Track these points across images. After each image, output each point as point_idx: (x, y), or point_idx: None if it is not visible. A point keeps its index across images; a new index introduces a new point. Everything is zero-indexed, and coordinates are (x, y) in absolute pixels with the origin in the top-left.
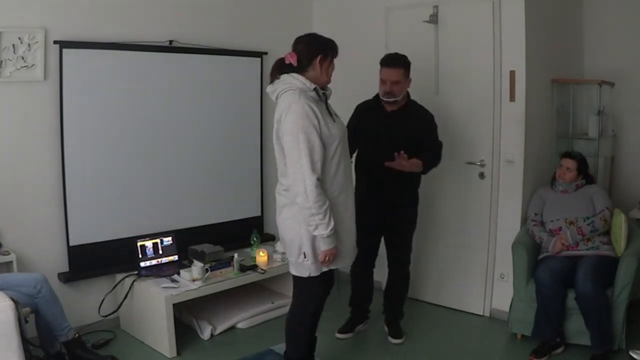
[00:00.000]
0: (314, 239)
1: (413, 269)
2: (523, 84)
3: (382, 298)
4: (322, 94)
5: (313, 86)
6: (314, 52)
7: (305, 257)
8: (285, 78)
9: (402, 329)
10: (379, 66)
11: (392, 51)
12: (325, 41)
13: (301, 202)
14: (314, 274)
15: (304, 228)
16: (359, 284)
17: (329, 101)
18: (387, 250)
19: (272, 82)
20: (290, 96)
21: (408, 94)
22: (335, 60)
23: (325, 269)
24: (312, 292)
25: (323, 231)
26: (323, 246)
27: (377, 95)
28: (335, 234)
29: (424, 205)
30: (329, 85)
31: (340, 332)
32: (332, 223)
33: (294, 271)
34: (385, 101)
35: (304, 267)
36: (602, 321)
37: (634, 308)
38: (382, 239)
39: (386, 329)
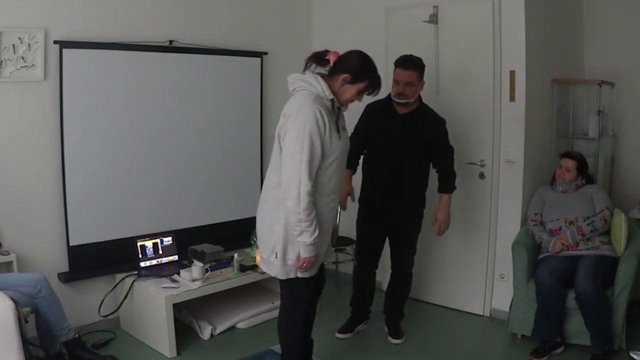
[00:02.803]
0: (287, 243)
1: (413, 269)
2: (523, 84)
3: (383, 298)
4: (336, 107)
5: (331, 96)
6: (346, 68)
7: (275, 257)
8: (309, 77)
9: (402, 329)
10: (378, 66)
11: (392, 51)
12: (367, 70)
13: (291, 205)
14: (280, 277)
15: (282, 229)
16: (361, 285)
17: (341, 115)
18: (392, 251)
19: (305, 67)
20: (303, 97)
21: (420, 97)
22: None
23: (292, 276)
24: (297, 293)
25: (307, 239)
26: (303, 253)
27: (390, 95)
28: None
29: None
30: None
31: (340, 332)
32: (317, 233)
33: (264, 268)
34: (397, 102)
35: (273, 266)
36: (602, 321)
37: (634, 308)
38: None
39: (386, 328)
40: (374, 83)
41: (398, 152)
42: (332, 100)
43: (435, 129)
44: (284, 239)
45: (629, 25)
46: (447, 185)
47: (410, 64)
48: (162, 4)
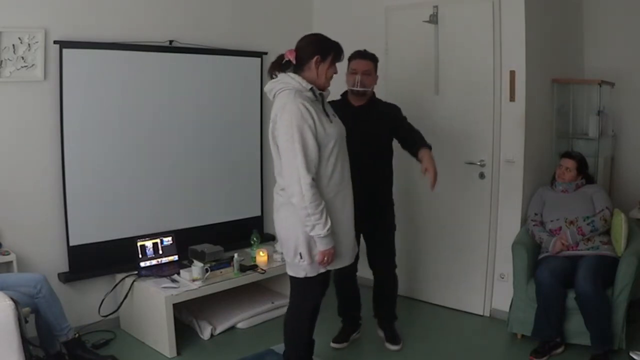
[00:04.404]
0: (310, 239)
1: (413, 269)
2: (523, 84)
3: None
4: (318, 94)
5: (309, 86)
6: (311, 53)
7: (301, 257)
8: (283, 77)
9: (398, 333)
10: (378, 66)
11: (392, 51)
12: (327, 43)
13: (297, 202)
14: (310, 274)
15: (300, 228)
16: (343, 292)
17: (326, 101)
18: (369, 256)
19: (270, 78)
20: (285, 96)
21: (373, 92)
22: None
23: (322, 270)
24: (309, 292)
25: (320, 231)
26: (320, 246)
27: (344, 94)
28: (332, 234)
29: (424, 205)
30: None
31: (334, 341)
32: (329, 223)
33: (290, 271)
34: (356, 92)
35: (300, 268)
36: (602, 321)
37: (634, 308)
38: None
39: (381, 333)
40: (338, 49)
41: (361, 144)
42: (311, 89)
43: (392, 113)
44: (305, 237)
45: (629, 25)
46: (422, 143)
47: (367, 55)
48: (162, 4)
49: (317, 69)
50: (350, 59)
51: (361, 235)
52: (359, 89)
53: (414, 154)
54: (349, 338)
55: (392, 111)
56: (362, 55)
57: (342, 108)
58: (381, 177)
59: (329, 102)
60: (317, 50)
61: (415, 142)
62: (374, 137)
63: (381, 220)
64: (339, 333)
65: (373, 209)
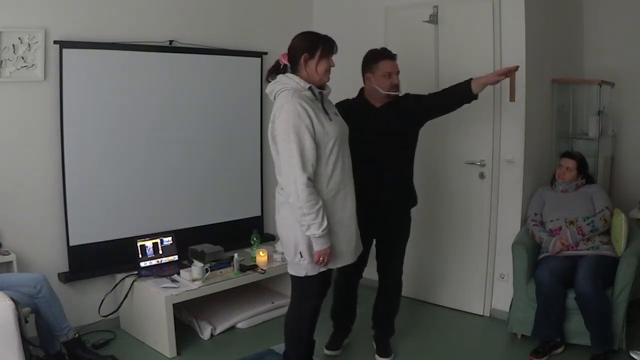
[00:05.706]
0: (310, 238)
1: (413, 269)
2: (523, 84)
3: (372, 312)
4: (317, 93)
5: (307, 85)
6: (300, 51)
7: (301, 256)
8: (281, 78)
9: (391, 346)
10: None
11: (393, 51)
12: (313, 39)
13: (293, 201)
14: (311, 273)
15: (300, 227)
16: (341, 292)
17: (328, 99)
18: (378, 261)
19: (267, 82)
20: (284, 96)
21: None
22: (335, 61)
23: (322, 269)
24: (310, 292)
25: (315, 231)
26: (316, 246)
27: (360, 94)
28: (332, 234)
29: (424, 205)
30: (327, 84)
31: (328, 348)
32: (325, 223)
33: (291, 271)
34: (393, 95)
35: (301, 267)
36: (602, 321)
37: (634, 308)
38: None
39: (374, 345)
40: (328, 42)
41: (385, 146)
42: (310, 88)
43: (410, 100)
44: (305, 236)
45: (629, 25)
46: (463, 82)
47: (393, 55)
48: (162, 4)
49: (306, 67)
50: (379, 59)
51: (374, 234)
52: (394, 92)
53: (469, 93)
54: (342, 344)
55: (407, 97)
56: (390, 55)
57: (360, 108)
58: (404, 176)
59: (344, 101)
60: (304, 48)
61: (456, 89)
62: (398, 136)
63: (396, 224)
64: (331, 338)
65: (391, 210)
